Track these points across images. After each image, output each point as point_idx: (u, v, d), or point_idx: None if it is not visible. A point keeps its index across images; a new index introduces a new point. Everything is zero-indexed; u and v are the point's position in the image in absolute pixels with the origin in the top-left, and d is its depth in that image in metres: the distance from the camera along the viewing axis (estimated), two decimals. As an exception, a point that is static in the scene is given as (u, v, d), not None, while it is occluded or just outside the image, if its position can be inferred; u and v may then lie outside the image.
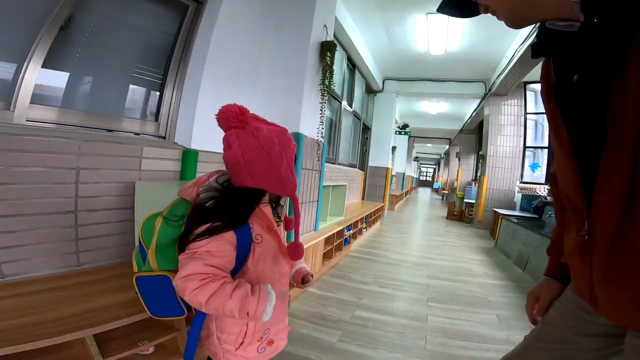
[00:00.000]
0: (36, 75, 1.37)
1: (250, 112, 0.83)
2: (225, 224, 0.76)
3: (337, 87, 4.81)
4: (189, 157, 1.86)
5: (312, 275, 1.02)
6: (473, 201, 7.67)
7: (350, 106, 5.76)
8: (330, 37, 2.63)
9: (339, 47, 4.45)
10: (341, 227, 3.40)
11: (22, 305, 1.13)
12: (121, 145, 1.59)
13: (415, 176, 25.14)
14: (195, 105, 1.90)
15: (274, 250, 0.87)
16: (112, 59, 1.73)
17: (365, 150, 7.43)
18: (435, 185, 22.29)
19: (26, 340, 0.93)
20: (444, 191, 16.49)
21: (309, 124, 2.48)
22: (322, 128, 2.60)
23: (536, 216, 5.02)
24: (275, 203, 0.93)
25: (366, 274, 3.30)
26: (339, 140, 5.18)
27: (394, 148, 8.41)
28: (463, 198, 8.58)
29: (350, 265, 3.55)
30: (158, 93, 1.93)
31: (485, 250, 5.02)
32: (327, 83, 2.54)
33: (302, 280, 0.99)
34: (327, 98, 2.61)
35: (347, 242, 3.85)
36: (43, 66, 1.38)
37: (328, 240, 3.14)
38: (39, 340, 0.95)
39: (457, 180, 11.09)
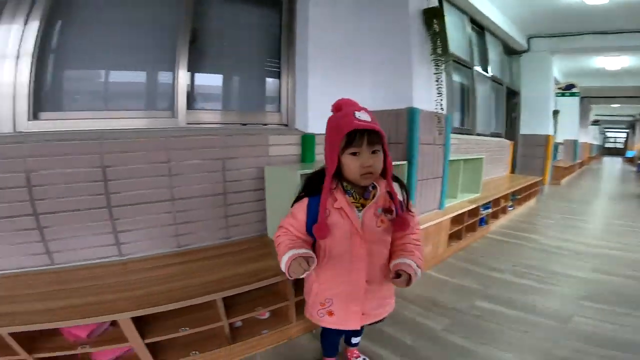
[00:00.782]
0: (186, 83, 1.74)
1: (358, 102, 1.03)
2: (301, 193, 1.03)
3: (463, 53, 4.27)
4: (307, 141, 2.02)
5: (410, 277, 0.94)
6: None
7: (486, 71, 4.95)
8: (434, 3, 2.29)
9: (456, 11, 4.11)
10: (474, 206, 2.97)
11: (183, 271, 1.53)
12: (252, 136, 1.87)
13: (596, 143, 19.62)
14: (306, 92, 2.02)
15: (344, 230, 0.95)
16: (235, 61, 2.02)
17: (515, 118, 6.30)
18: (629, 154, 16.59)
19: (172, 301, 1.26)
20: (641, 161, 12.13)
21: (424, 97, 2.26)
22: (442, 100, 2.30)
23: None
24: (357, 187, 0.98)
25: (502, 260, 2.78)
26: (475, 109, 4.52)
27: (555, 112, 6.73)
28: None
29: (485, 248, 3.06)
30: (277, 84, 2.13)
31: None
32: (439, 52, 2.22)
33: (395, 274, 0.95)
34: (443, 67, 2.29)
35: (483, 222, 3.36)
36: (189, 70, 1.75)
37: (457, 220, 2.82)
38: (179, 302, 1.26)
39: None
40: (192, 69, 1.79)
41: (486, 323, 1.82)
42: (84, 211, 1.50)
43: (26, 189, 1.39)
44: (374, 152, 0.91)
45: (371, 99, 2.36)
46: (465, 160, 3.18)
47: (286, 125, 2.13)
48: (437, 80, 2.28)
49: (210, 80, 1.98)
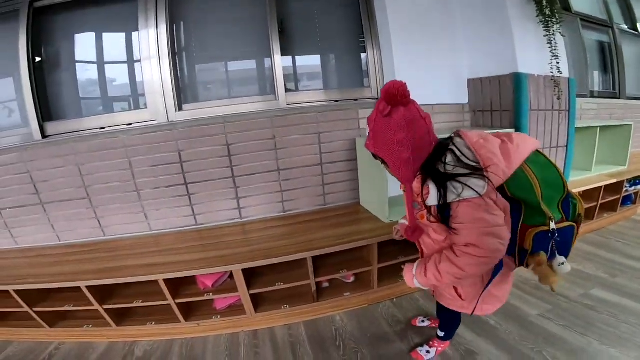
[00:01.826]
0: (282, 66, 1.96)
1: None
2: None
3: (596, 11, 3.42)
4: None
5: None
6: None
7: (635, 29, 3.82)
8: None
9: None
10: (615, 180, 2.39)
11: (286, 232, 1.78)
12: (343, 111, 2.00)
13: None
14: (392, 64, 2.00)
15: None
16: (320, 42, 2.13)
17: None
18: None
19: (270, 257, 1.49)
20: None
21: (533, 60, 1.95)
22: (558, 62, 1.95)
23: None
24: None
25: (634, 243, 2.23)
26: (622, 69, 3.59)
27: None
28: None
29: (624, 232, 2.47)
30: (365, 59, 2.17)
31: None
32: (547, 12, 1.88)
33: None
34: (555, 28, 1.92)
35: (629, 201, 2.67)
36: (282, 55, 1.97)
37: (590, 196, 2.35)
38: (276, 257, 1.49)
39: None
40: (285, 54, 2.01)
41: (595, 314, 1.54)
42: (217, 180, 1.92)
43: (179, 164, 1.87)
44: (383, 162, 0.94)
45: (469, 66, 2.20)
46: (603, 127, 2.58)
47: (376, 98, 2.18)
48: (549, 43, 1.95)
49: (302, 62, 2.16)
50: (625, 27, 3.71)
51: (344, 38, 2.18)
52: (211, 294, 1.58)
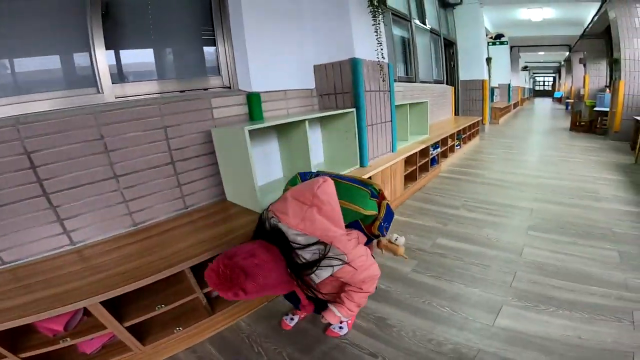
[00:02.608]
0: (105, 58, 1.58)
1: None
2: None
3: (401, 6, 4.41)
4: (253, 100, 1.97)
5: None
6: (606, 109, 6.16)
7: (424, 23, 5.21)
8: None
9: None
10: (424, 146, 3.17)
11: (146, 247, 1.47)
12: (193, 101, 1.77)
13: (527, 87, 21.52)
14: (245, 52, 1.94)
15: None
16: (161, 29, 1.84)
17: (453, 66, 6.81)
18: (557, 95, 18.16)
19: (135, 278, 1.21)
20: (568, 100, 13.46)
21: (365, 47, 2.30)
22: (382, 49, 2.35)
23: None
24: None
25: (455, 196, 3.03)
26: (416, 59, 4.71)
27: (488, 59, 7.39)
28: (593, 107, 6.85)
29: (439, 187, 3.30)
30: (213, 48, 2.01)
31: (620, 167, 3.92)
32: (375, 3, 2.24)
33: None
34: (380, 18, 2.32)
35: (434, 162, 3.61)
36: (107, 49, 1.59)
37: (410, 161, 2.99)
38: (143, 279, 1.21)
39: (584, 87, 9.03)
40: (113, 42, 1.62)
41: (450, 261, 1.97)
42: (18, 203, 1.36)
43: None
44: None
45: (315, 54, 2.36)
46: (411, 104, 3.33)
47: (229, 87, 2.04)
48: (375, 31, 2.31)
49: (137, 53, 1.80)
50: (418, 21, 4.84)
51: (189, 25, 1.95)
52: (68, 339, 1.21)
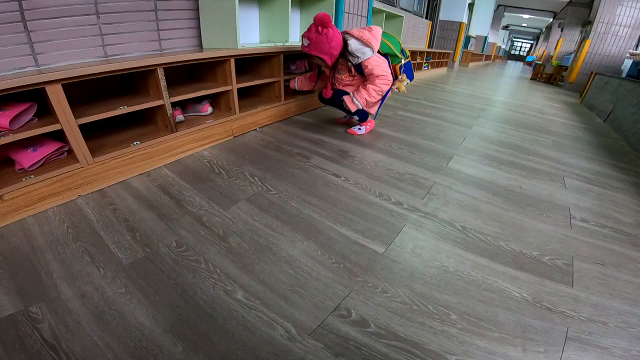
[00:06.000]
0: None
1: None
2: None
3: None
4: None
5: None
6: (567, 66, 6.63)
7: None
8: None
9: None
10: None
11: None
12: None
13: (504, 47, 21.64)
14: None
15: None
16: None
17: (436, 5, 6.83)
18: (529, 59, 18.47)
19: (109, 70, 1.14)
20: (538, 62, 14.01)
21: None
22: None
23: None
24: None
25: (418, 95, 3.35)
26: None
27: (471, 4, 7.34)
28: (559, 66, 7.27)
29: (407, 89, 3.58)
30: None
31: (567, 103, 4.44)
32: None
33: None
34: None
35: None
36: None
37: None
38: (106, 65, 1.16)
39: (555, 50, 9.34)
40: None
41: (409, 124, 2.24)
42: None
43: None
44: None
45: None
46: (388, 15, 3.45)
47: None
48: None
49: None
50: None
51: None
52: (11, 134, 0.97)
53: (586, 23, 6.19)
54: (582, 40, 6.12)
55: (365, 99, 1.74)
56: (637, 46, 5.62)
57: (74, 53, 1.52)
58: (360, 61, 1.69)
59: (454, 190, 1.39)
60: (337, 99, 1.83)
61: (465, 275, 0.91)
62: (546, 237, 1.13)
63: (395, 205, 1.23)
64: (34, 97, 1.11)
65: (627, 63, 5.24)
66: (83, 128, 1.16)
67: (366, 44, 1.66)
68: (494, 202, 1.33)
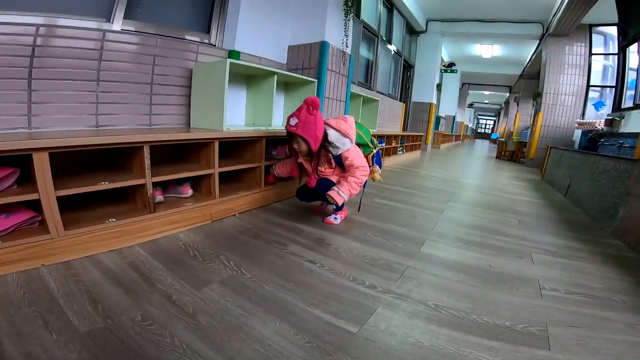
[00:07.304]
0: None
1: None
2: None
3: (373, 23, 5.12)
4: (233, 55, 2.33)
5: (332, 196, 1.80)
6: (526, 141, 7.24)
7: (389, 42, 5.96)
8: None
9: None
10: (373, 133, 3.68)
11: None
12: (184, 43, 2.09)
13: (471, 125, 23.89)
14: (237, 19, 2.37)
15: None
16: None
17: (409, 87, 7.67)
18: (493, 136, 20.17)
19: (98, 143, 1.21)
20: (501, 139, 15.41)
21: (334, 35, 2.83)
22: (347, 40, 2.93)
23: (590, 147, 4.63)
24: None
25: (393, 182, 3.55)
26: (377, 72, 5.39)
27: (439, 85, 8.31)
28: (519, 142, 8.05)
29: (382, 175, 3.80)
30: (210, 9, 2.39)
31: (529, 180, 4.83)
32: (349, 4, 2.80)
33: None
34: (350, 16, 2.91)
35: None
36: None
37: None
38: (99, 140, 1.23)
39: (514, 125, 10.17)
40: None
41: (383, 211, 2.34)
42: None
43: None
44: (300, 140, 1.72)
45: (292, 34, 2.82)
46: (365, 99, 3.89)
47: (214, 45, 2.41)
48: (345, 25, 2.82)
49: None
50: (385, 42, 5.54)
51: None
52: None
53: (536, 95, 6.46)
54: (535, 114, 6.48)
55: (349, 191, 1.75)
56: (582, 115, 5.92)
57: (67, 119, 1.60)
58: (340, 152, 1.74)
59: (426, 272, 1.45)
60: (321, 188, 1.80)
61: (440, 349, 0.93)
62: (518, 308, 1.18)
63: (369, 288, 1.27)
64: (18, 158, 1.12)
65: (577, 133, 5.56)
66: (60, 198, 1.18)
67: (345, 134, 1.73)
68: (466, 281, 1.39)
